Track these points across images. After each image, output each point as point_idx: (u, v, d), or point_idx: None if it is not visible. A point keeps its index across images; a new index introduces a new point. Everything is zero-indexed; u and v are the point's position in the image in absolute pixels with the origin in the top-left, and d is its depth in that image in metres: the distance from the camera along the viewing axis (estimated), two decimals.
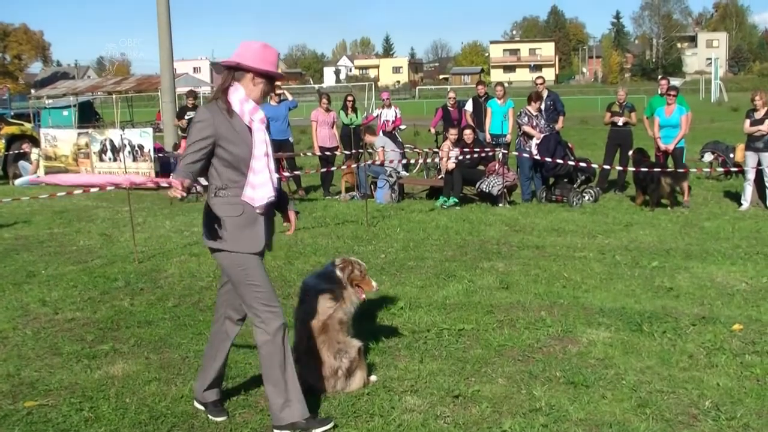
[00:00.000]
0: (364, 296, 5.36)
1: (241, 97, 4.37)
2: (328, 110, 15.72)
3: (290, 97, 16.17)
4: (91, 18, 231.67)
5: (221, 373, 4.83)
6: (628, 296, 7.33)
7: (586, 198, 13.44)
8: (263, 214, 4.41)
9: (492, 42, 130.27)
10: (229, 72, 4.41)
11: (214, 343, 4.77)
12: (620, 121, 14.61)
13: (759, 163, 12.39)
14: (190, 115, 16.36)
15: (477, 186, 13.49)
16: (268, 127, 4.60)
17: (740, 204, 12.66)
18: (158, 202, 14.62)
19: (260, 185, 4.35)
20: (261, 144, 4.38)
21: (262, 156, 4.37)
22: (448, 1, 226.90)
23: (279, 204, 4.59)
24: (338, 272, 5.24)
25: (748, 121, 12.50)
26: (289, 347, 4.48)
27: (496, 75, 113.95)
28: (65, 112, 35.90)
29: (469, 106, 16.60)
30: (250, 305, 4.40)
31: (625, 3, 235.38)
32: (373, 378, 5.23)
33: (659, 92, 14.66)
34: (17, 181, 18.54)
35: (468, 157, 13.61)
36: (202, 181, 4.64)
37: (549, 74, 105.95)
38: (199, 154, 4.28)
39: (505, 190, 13.26)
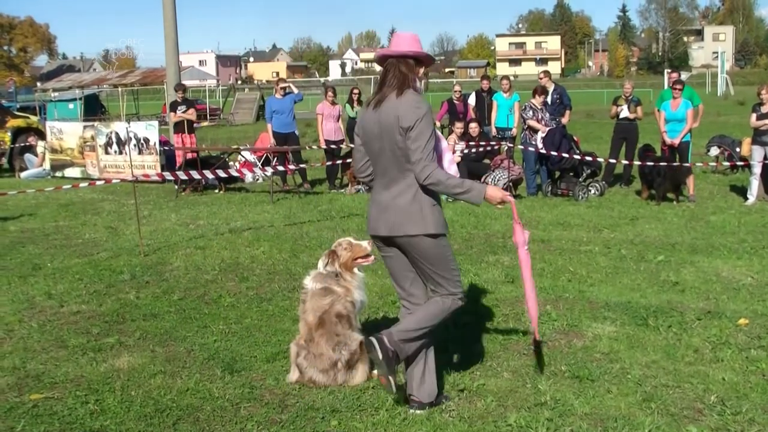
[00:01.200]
0: (371, 259, 5.32)
1: (420, 87, 4.52)
2: (333, 103, 15.69)
3: (295, 90, 16.16)
4: (96, 10, 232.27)
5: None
6: (634, 290, 7.32)
7: (592, 192, 13.41)
8: None
9: (498, 35, 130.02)
10: (411, 64, 4.48)
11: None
12: (622, 112, 14.56)
13: (765, 157, 12.34)
14: (182, 109, 16.23)
15: (482, 179, 13.47)
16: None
17: (746, 198, 12.62)
18: (164, 195, 14.64)
19: (448, 169, 4.59)
20: None
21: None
22: None
23: None
24: (327, 270, 5.25)
25: (754, 115, 12.45)
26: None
27: (502, 68, 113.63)
28: (71, 105, 35.94)
29: (471, 100, 16.54)
30: (448, 279, 4.57)
31: None
32: (377, 371, 5.23)
33: (669, 85, 14.61)
34: (23, 174, 18.58)
35: (473, 150, 13.59)
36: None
37: (555, 68, 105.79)
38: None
39: (510, 183, 13.25)
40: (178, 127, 16.25)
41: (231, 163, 16.66)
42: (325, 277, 5.22)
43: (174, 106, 16.50)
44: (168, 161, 16.88)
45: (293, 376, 5.14)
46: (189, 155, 15.99)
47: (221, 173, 12.61)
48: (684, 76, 47.82)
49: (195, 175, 12.25)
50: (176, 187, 14.80)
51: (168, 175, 12.51)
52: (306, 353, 5.09)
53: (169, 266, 8.70)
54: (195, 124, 16.94)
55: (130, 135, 16.52)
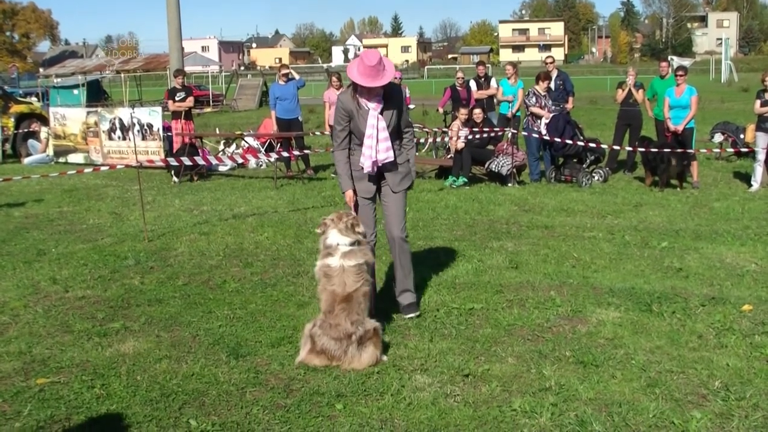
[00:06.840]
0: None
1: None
2: (339, 89, 15.64)
3: (297, 76, 16.13)
4: None
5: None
6: (638, 276, 7.32)
7: (596, 178, 13.40)
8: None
9: (501, 21, 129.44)
10: None
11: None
12: (629, 78, 14.63)
13: None
14: (181, 95, 16.14)
15: (486, 166, 13.47)
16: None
17: (750, 185, 12.61)
18: (167, 181, 14.64)
19: None
20: None
21: None
22: None
23: None
24: (349, 240, 5.41)
25: (758, 102, 12.42)
26: None
27: (505, 54, 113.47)
28: (74, 91, 35.87)
29: (473, 87, 16.49)
30: None
31: None
32: (383, 357, 5.25)
33: (660, 74, 14.63)
34: (26, 160, 18.58)
35: (477, 136, 13.58)
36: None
37: (558, 54, 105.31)
38: None
39: (514, 169, 13.23)
40: (176, 113, 16.21)
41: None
42: (356, 254, 5.37)
43: (173, 93, 16.46)
44: (171, 147, 16.85)
45: (302, 355, 5.17)
46: (188, 140, 15.97)
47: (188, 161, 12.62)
48: (687, 63, 47.69)
49: (185, 161, 12.24)
50: (175, 177, 14.75)
51: (172, 161, 12.51)
52: (322, 322, 5.19)
53: (173, 252, 8.71)
54: (198, 111, 16.87)
55: (134, 121, 16.50)
